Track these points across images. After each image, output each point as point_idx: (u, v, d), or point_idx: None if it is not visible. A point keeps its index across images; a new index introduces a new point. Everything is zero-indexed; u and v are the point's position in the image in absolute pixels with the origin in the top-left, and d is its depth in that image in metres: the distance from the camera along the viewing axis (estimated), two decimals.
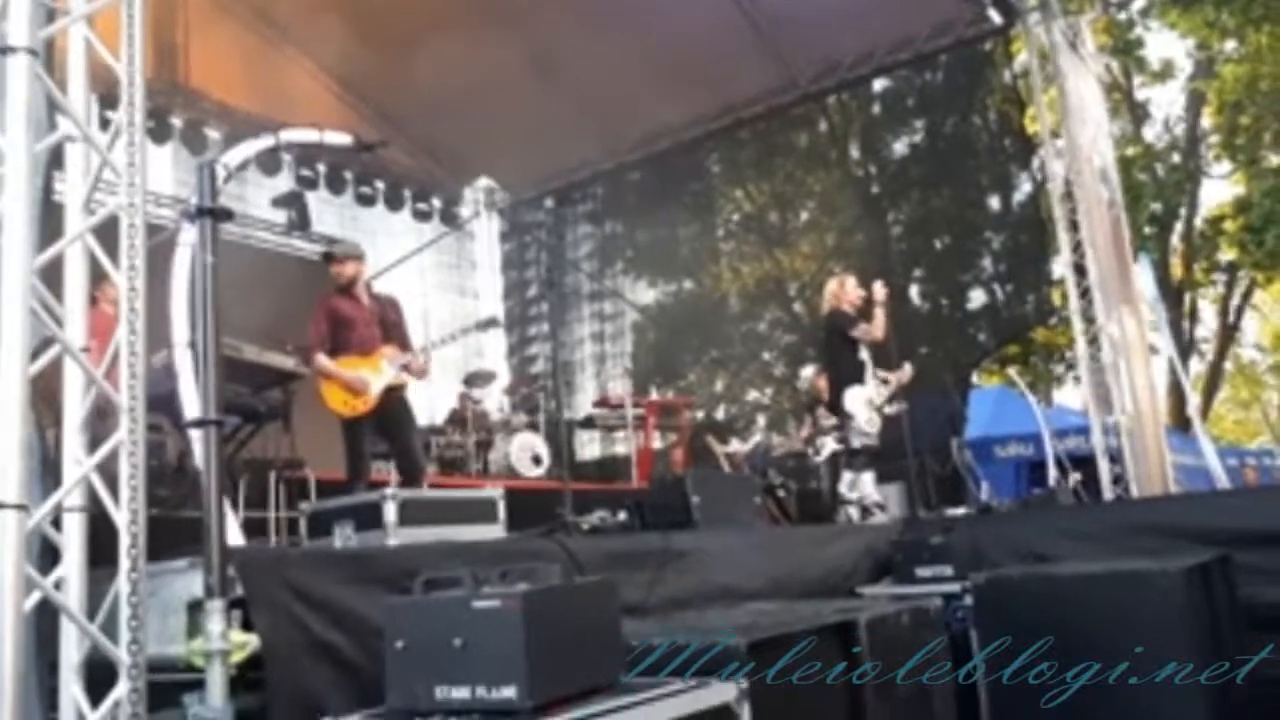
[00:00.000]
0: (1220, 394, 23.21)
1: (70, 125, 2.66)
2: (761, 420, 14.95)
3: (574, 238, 11.80)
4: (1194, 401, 14.40)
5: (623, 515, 5.04)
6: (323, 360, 5.49)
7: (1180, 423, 14.26)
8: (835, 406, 6.67)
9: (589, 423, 10.11)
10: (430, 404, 9.04)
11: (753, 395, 15.35)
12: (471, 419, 8.56)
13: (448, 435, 8.55)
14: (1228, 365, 22.03)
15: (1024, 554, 4.80)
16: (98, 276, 2.67)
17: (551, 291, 8.16)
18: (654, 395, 10.40)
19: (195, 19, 7.83)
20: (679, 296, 13.56)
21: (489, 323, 7.24)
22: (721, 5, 8.62)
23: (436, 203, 11.31)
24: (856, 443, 6.51)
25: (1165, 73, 18.83)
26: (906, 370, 6.77)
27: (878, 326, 6.61)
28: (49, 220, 2.61)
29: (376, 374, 5.51)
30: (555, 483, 7.36)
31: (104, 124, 3.42)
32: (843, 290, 6.82)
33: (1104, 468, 7.91)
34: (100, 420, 2.58)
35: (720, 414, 14.32)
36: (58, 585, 2.38)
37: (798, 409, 12.86)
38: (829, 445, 6.82)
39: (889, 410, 6.63)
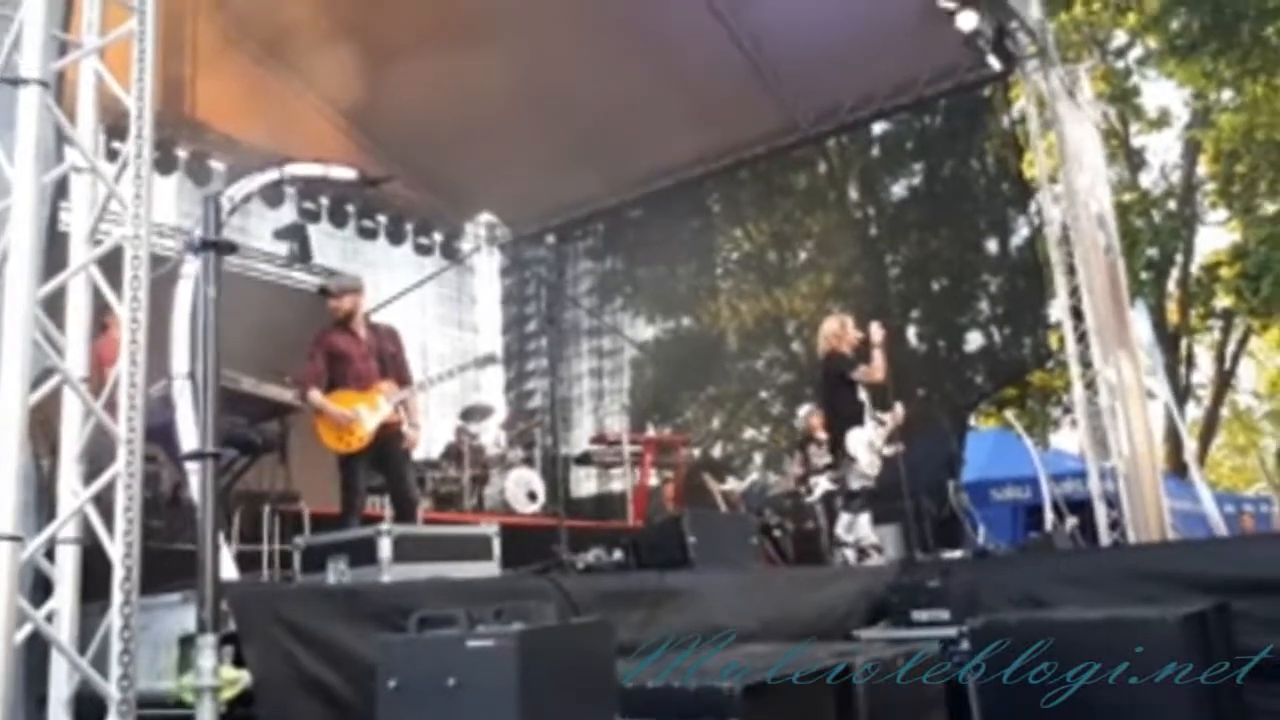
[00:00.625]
0: (1216, 440, 23.19)
1: (77, 156, 2.69)
2: (758, 459, 14.91)
3: (574, 274, 11.84)
4: (1190, 447, 14.40)
5: (618, 554, 5.02)
6: (316, 397, 5.49)
7: (1177, 468, 14.25)
8: (836, 448, 6.66)
9: (585, 459, 10.07)
10: (426, 438, 9.01)
11: (749, 433, 15.31)
12: (467, 454, 8.53)
13: (443, 470, 8.51)
14: (1224, 412, 22.04)
15: (1021, 599, 4.77)
16: (109, 304, 2.68)
17: (551, 327, 8.17)
18: (651, 432, 10.38)
19: (202, 52, 7.91)
20: (677, 334, 13.59)
21: (487, 360, 7.24)
22: (724, 47, 8.72)
23: (438, 237, 11.36)
24: (855, 485, 6.50)
25: (1162, 120, 19.04)
26: (898, 411, 6.78)
27: (877, 368, 6.62)
28: (53, 250, 2.63)
29: (373, 410, 5.52)
30: (550, 519, 7.32)
31: (110, 155, 3.45)
32: (843, 331, 6.82)
33: (1101, 513, 7.89)
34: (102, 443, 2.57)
35: (717, 452, 14.28)
36: (49, 618, 2.36)
37: (790, 446, 12.84)
38: (822, 485, 6.80)
39: (887, 452, 6.62)
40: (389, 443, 5.60)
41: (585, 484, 10.84)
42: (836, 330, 6.89)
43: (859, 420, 6.62)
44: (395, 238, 10.80)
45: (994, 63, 8.68)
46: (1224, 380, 20.64)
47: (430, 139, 9.58)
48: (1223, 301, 18.76)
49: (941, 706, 3.71)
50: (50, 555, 2.44)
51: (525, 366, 11.89)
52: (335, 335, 5.66)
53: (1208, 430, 20.60)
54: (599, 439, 10.05)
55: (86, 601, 2.44)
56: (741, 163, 10.41)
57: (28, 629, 2.25)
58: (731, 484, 9.64)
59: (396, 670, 2.28)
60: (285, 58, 8.94)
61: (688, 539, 4.81)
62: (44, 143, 2.50)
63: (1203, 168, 19.10)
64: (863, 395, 6.72)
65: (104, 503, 2.45)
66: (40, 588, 2.41)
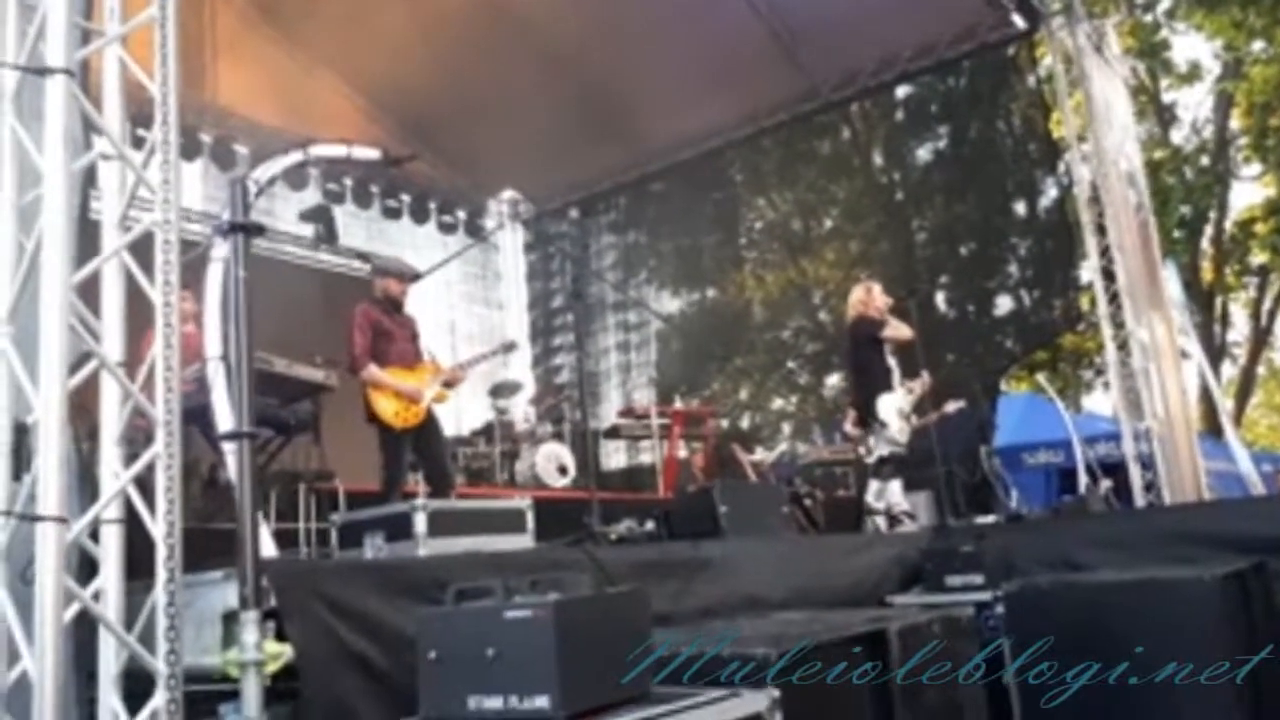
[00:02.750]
0: (1253, 399, 22.87)
1: (105, 144, 2.71)
2: (786, 429, 14.90)
3: (598, 248, 11.84)
4: (1225, 406, 14.22)
5: (650, 525, 5.05)
6: (376, 371, 5.57)
7: (1212, 428, 14.08)
8: (866, 413, 6.63)
9: (614, 432, 10.11)
10: (457, 415, 9.09)
11: (777, 404, 15.31)
12: (498, 429, 8.60)
13: (474, 446, 8.58)
14: (1260, 370, 21.72)
15: (1056, 562, 4.76)
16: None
17: (577, 302, 8.21)
18: (679, 404, 10.39)
19: (223, 36, 7.94)
20: (703, 305, 13.57)
21: (510, 347, 7.36)
22: (742, 15, 8.63)
23: (461, 215, 11.38)
24: (885, 450, 6.48)
25: (1192, 75, 18.64)
26: (925, 379, 6.75)
27: (905, 326, 6.60)
28: (85, 237, 2.66)
29: (424, 388, 5.63)
30: (581, 492, 7.36)
31: (136, 142, 3.47)
32: (870, 297, 6.81)
33: (1135, 474, 7.82)
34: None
35: (745, 423, 14.28)
36: (96, 597, 2.41)
37: (823, 415, 12.80)
38: (882, 447, 6.67)
39: (915, 420, 6.59)
40: (429, 422, 5.72)
41: (615, 457, 10.89)
42: (863, 297, 6.88)
43: (888, 385, 6.60)
44: (419, 217, 10.84)
45: (1018, 21, 8.54)
46: (1260, 338, 20.32)
47: (451, 117, 9.58)
48: (1258, 258, 18.44)
49: (979, 672, 3.71)
50: (94, 536, 2.49)
51: (552, 342, 11.93)
52: (379, 313, 5.76)
53: (1244, 389, 20.33)
54: (627, 412, 10.08)
55: (131, 580, 2.49)
56: (763, 131, 10.32)
57: (76, 608, 2.30)
58: (760, 454, 9.64)
59: (435, 642, 2.31)
60: (304, 40, 8.95)
61: (719, 509, 4.82)
62: (72, 131, 2.53)
63: (1235, 122, 18.71)
64: (891, 360, 6.69)
65: (145, 484, 2.50)
66: (86, 567, 2.47)
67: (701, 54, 8.76)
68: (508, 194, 11.84)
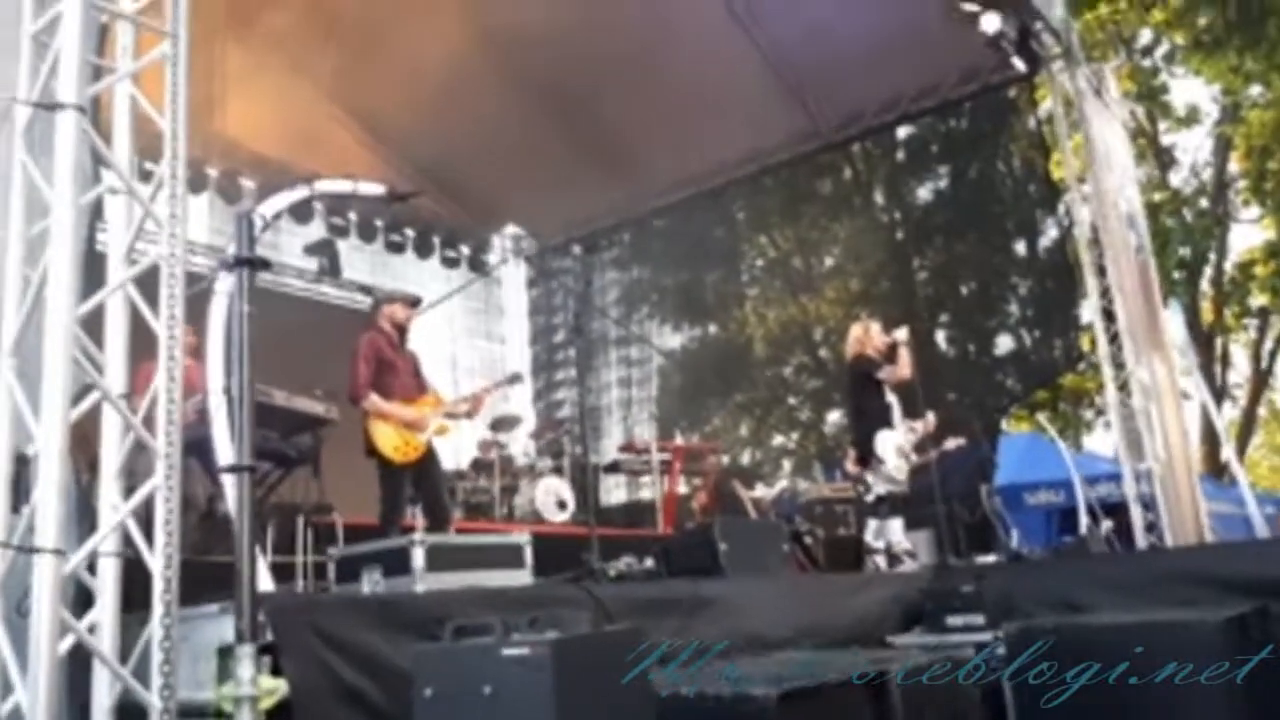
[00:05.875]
0: (1254, 440, 22.82)
1: (113, 177, 2.74)
2: (787, 465, 14.87)
3: (601, 284, 11.89)
4: (1230, 447, 14.19)
5: (650, 562, 5.02)
6: (378, 400, 5.48)
7: (1214, 469, 14.04)
8: (865, 451, 6.61)
9: (614, 468, 10.09)
10: (455, 449, 9.07)
11: (778, 440, 15.29)
12: (497, 463, 8.58)
13: (473, 480, 8.55)
14: (1261, 411, 21.69)
15: (1057, 603, 4.72)
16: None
17: (579, 337, 8.24)
18: (679, 440, 10.37)
19: (231, 71, 8.01)
20: (704, 341, 13.61)
21: (514, 379, 7.35)
22: (745, 54, 8.73)
23: (465, 250, 11.44)
24: (882, 489, 6.45)
25: (1191, 118, 18.80)
26: (930, 419, 6.74)
27: (904, 365, 6.59)
28: (91, 270, 2.68)
29: (427, 418, 5.59)
30: (581, 528, 7.33)
31: (143, 175, 3.51)
32: (867, 336, 6.81)
33: (1137, 515, 7.77)
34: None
35: (746, 459, 14.25)
36: (91, 629, 2.40)
37: (824, 452, 12.78)
38: (879, 485, 6.62)
39: (915, 458, 6.57)
40: (429, 456, 5.67)
41: (615, 492, 10.86)
42: (860, 335, 6.89)
43: (887, 422, 6.58)
44: (423, 251, 10.90)
45: (1019, 64, 8.61)
46: (1261, 379, 20.32)
47: (456, 153, 9.65)
48: (1258, 300, 18.48)
49: (978, 713, 3.67)
50: (91, 568, 2.48)
51: (554, 377, 11.93)
52: (383, 344, 5.70)
53: (1245, 430, 20.29)
54: (628, 447, 10.06)
55: (127, 613, 2.48)
56: (765, 170, 10.39)
57: (70, 640, 2.29)
58: (760, 491, 9.61)
59: (432, 679, 2.29)
60: (312, 75, 9.03)
61: (719, 546, 4.80)
62: (81, 165, 2.55)
63: (1234, 165, 18.86)
64: (890, 397, 6.68)
65: (143, 516, 2.49)
66: (82, 599, 2.45)
67: (706, 92, 8.84)
68: (511, 230, 11.92)
